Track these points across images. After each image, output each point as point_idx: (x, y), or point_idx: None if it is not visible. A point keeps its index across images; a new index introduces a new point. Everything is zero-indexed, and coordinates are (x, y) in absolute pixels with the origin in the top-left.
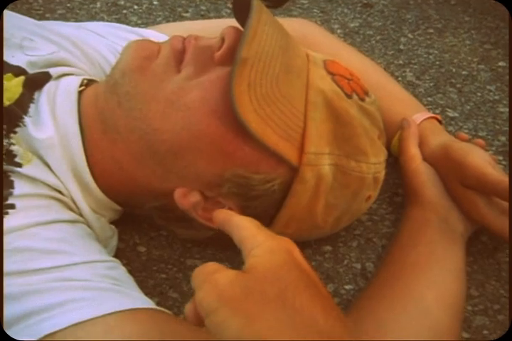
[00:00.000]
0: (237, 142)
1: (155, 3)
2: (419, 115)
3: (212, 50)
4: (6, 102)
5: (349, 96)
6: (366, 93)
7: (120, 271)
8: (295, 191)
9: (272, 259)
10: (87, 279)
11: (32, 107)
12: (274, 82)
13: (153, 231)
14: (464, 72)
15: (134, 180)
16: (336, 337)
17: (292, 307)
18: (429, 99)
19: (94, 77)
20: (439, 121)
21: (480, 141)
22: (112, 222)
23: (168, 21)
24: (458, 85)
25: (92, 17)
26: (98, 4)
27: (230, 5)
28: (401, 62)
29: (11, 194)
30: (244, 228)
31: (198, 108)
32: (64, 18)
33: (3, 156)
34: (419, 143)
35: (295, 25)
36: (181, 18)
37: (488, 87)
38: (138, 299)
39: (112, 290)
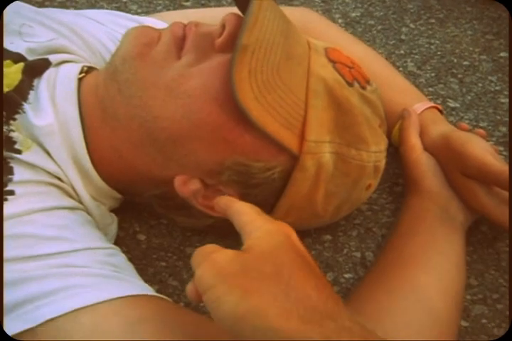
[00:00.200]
0: (238, 130)
1: None
2: (420, 105)
3: (213, 37)
4: (5, 89)
5: (350, 85)
6: (367, 81)
7: (120, 258)
8: (295, 179)
9: (270, 241)
10: (88, 266)
11: (31, 94)
12: (275, 69)
13: (153, 219)
14: (465, 63)
15: (133, 167)
16: (328, 310)
17: (287, 284)
18: (430, 89)
19: (93, 64)
20: (440, 111)
21: (481, 131)
22: (112, 211)
23: (168, 10)
24: (459, 75)
25: (92, 5)
26: None
27: None
28: (402, 52)
29: (10, 180)
30: (245, 213)
31: (198, 95)
32: (63, 6)
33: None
34: (419, 133)
35: (296, 14)
36: (182, 7)
37: (489, 77)
38: (138, 286)
39: (112, 277)
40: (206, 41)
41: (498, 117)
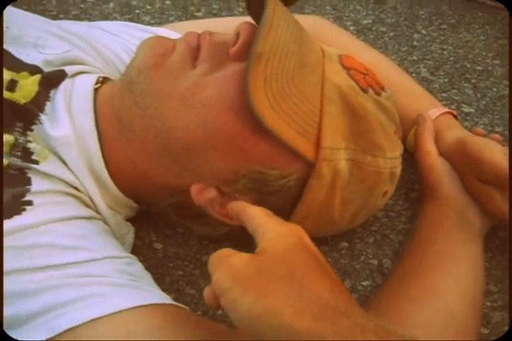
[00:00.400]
0: (254, 138)
1: (167, 2)
2: (435, 110)
3: (227, 46)
4: (22, 100)
5: (365, 91)
6: (382, 88)
7: (137, 267)
8: (311, 186)
9: (283, 243)
10: (106, 275)
11: (48, 105)
12: (289, 77)
13: (169, 228)
14: (478, 68)
15: (149, 177)
16: (341, 308)
17: (300, 285)
18: (444, 94)
19: (108, 75)
20: (455, 116)
21: (496, 136)
22: (128, 220)
23: (180, 20)
24: (473, 81)
25: (105, 17)
26: (111, 4)
27: (242, 3)
28: (415, 58)
29: (28, 190)
30: (257, 216)
31: (213, 105)
32: (78, 18)
33: (20, 153)
34: (434, 139)
35: (308, 22)
36: (194, 17)
37: (504, 82)
38: (156, 295)
39: (129, 286)
40: (220, 50)
41: None
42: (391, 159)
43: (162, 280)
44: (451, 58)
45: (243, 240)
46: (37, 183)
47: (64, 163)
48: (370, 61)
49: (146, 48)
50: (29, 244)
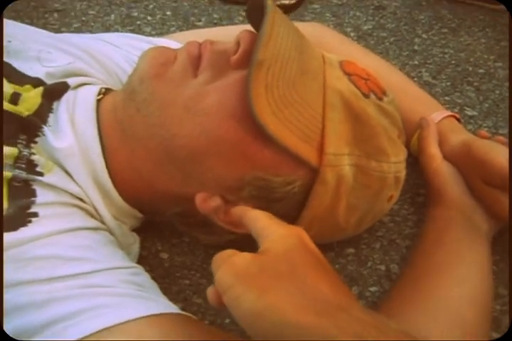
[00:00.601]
0: (257, 145)
1: (168, 13)
2: (438, 114)
3: (228, 54)
4: (26, 113)
5: (367, 96)
6: (384, 92)
7: (144, 277)
8: (316, 193)
9: (284, 243)
10: (112, 285)
11: (51, 117)
12: (290, 83)
13: (175, 237)
14: (480, 71)
15: (153, 186)
16: (341, 304)
17: (302, 282)
18: (447, 98)
19: (111, 86)
20: (458, 120)
21: (501, 138)
22: (133, 230)
23: (181, 31)
24: (475, 83)
25: (107, 29)
26: (112, 16)
27: (242, 12)
28: (416, 62)
29: (33, 202)
30: (259, 219)
31: (215, 113)
32: (79, 31)
33: (24, 166)
34: (438, 142)
35: (308, 30)
36: (194, 27)
37: (506, 84)
38: (163, 304)
39: (136, 296)
40: (222, 59)
41: None
42: (395, 164)
43: (169, 290)
44: (453, 62)
45: (249, 248)
46: (42, 195)
47: (68, 174)
48: (371, 66)
49: (147, 58)
50: (35, 256)
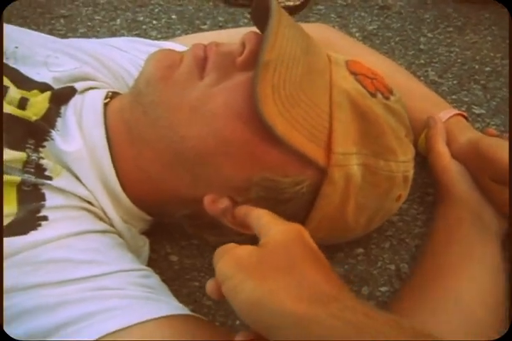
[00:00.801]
0: (264, 146)
1: (173, 17)
2: (445, 112)
3: (234, 56)
4: (34, 117)
5: (373, 95)
6: (390, 91)
7: (154, 279)
8: (324, 193)
9: (284, 238)
10: (122, 288)
11: (59, 121)
12: (297, 84)
13: (184, 240)
14: (487, 69)
15: (162, 188)
16: (334, 294)
17: (299, 274)
18: (454, 96)
19: (118, 89)
20: (466, 118)
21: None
22: (142, 233)
23: (187, 34)
24: (482, 82)
25: (113, 34)
26: (118, 21)
27: (247, 15)
28: (422, 61)
29: (43, 206)
30: (262, 217)
31: (222, 114)
32: (86, 36)
33: (33, 170)
34: (446, 141)
35: (314, 30)
36: (200, 31)
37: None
38: (173, 306)
39: (146, 298)
40: (227, 60)
41: None
42: (403, 163)
43: (179, 292)
44: (459, 60)
45: None
46: (51, 199)
47: (77, 177)
48: (377, 66)
49: (153, 61)
50: (46, 259)
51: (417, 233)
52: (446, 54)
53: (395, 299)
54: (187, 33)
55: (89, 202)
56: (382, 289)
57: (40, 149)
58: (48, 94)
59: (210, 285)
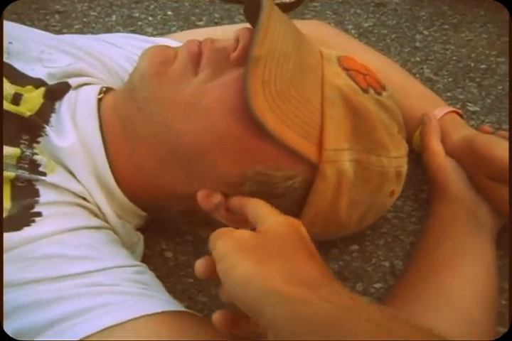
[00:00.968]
0: (257, 141)
1: (169, 13)
2: (440, 110)
3: (228, 52)
4: (28, 113)
5: (365, 91)
6: (383, 87)
7: (148, 275)
8: (317, 188)
9: (281, 228)
10: (116, 284)
11: (53, 117)
12: (288, 79)
13: (178, 236)
14: (482, 66)
15: (156, 185)
16: (324, 281)
17: (293, 262)
18: (449, 94)
19: (112, 85)
20: (460, 115)
21: (503, 132)
22: (137, 229)
23: (182, 30)
24: (477, 79)
25: (108, 30)
26: (113, 17)
27: (242, 11)
28: (418, 59)
29: (37, 202)
30: (260, 207)
31: (216, 109)
32: (81, 32)
33: (27, 166)
34: (441, 138)
35: (309, 27)
36: (195, 27)
37: (508, 79)
38: (168, 302)
39: (141, 294)
40: (222, 56)
41: None
42: (396, 158)
43: (174, 289)
44: (454, 58)
45: None
46: (45, 195)
47: (71, 173)
48: (373, 63)
49: (147, 57)
50: (40, 255)
51: (412, 230)
52: (441, 51)
53: (389, 295)
54: (183, 30)
55: (83, 198)
56: (377, 286)
57: (35, 145)
58: (42, 89)
59: (199, 264)
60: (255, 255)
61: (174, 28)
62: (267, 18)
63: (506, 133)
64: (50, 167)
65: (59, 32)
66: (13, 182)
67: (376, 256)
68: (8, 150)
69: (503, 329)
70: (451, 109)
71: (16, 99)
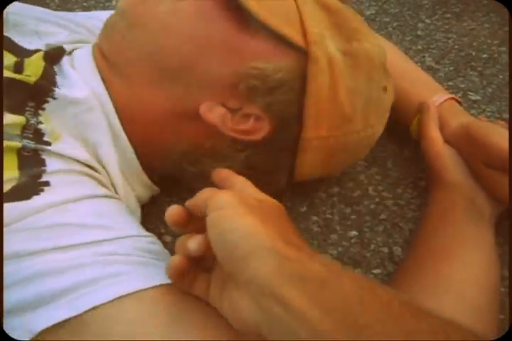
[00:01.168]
0: (242, 36)
1: None
2: (438, 97)
3: None
4: (32, 78)
5: None
6: None
7: (159, 246)
8: (311, 74)
9: (270, 201)
10: (129, 253)
11: (58, 78)
12: None
13: None
14: (484, 55)
15: (157, 110)
16: (305, 248)
17: (286, 231)
18: (450, 83)
19: None
20: (459, 103)
21: (501, 122)
22: None
23: None
24: (479, 68)
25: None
26: (113, 2)
27: None
28: (419, 47)
29: (44, 171)
30: (249, 186)
31: (195, 12)
32: None
33: (32, 135)
34: (439, 126)
35: None
36: None
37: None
38: None
39: (153, 265)
40: None
41: None
42: (376, 46)
43: None
44: (456, 46)
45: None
46: (51, 164)
47: (76, 140)
48: None
49: None
50: (50, 224)
51: (411, 217)
52: (443, 40)
53: (389, 282)
54: None
55: (89, 167)
56: (375, 271)
57: (40, 112)
58: (40, 53)
59: (174, 209)
60: (258, 214)
61: None
62: None
63: (503, 122)
64: (53, 136)
65: None
66: (19, 151)
67: (375, 242)
68: (13, 118)
69: (503, 316)
70: (450, 95)
71: (18, 67)
